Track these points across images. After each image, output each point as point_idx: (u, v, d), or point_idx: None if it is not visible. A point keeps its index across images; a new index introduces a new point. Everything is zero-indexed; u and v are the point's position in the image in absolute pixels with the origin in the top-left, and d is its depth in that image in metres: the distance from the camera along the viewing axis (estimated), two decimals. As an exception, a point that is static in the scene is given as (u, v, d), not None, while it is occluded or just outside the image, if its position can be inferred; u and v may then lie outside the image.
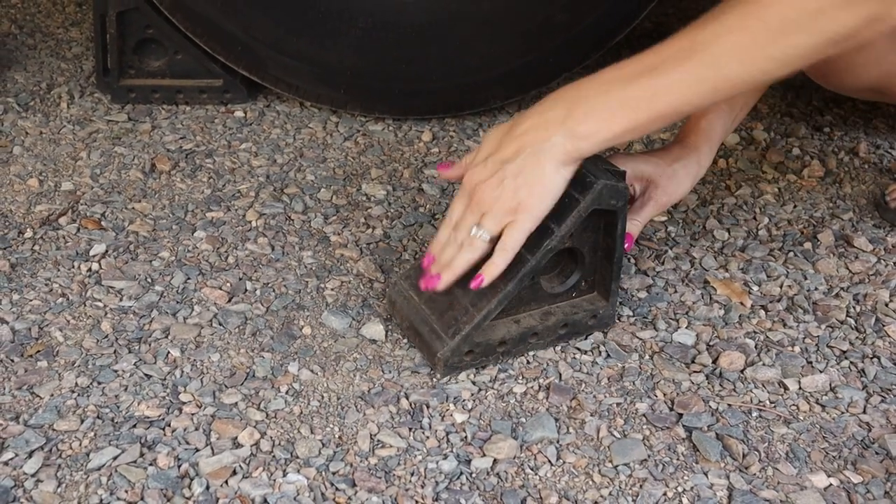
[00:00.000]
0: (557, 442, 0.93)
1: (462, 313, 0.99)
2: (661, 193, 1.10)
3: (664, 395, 0.99)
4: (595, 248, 1.03)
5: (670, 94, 0.91)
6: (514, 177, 0.95)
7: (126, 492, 0.86)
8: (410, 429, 0.94)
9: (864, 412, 0.98)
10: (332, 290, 1.14)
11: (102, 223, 1.26)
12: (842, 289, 1.16)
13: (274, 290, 1.14)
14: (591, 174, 0.97)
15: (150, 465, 0.89)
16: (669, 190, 1.11)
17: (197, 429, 0.93)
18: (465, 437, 0.93)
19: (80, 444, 0.91)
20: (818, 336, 1.08)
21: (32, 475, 0.87)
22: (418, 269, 1.06)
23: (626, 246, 1.03)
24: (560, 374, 1.02)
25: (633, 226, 1.09)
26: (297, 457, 0.90)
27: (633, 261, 1.20)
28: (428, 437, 0.93)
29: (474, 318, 0.98)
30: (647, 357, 1.05)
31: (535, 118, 0.96)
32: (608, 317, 1.06)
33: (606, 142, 0.94)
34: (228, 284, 1.15)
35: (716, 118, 1.16)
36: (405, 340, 1.06)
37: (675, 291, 1.15)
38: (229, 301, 1.12)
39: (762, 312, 1.12)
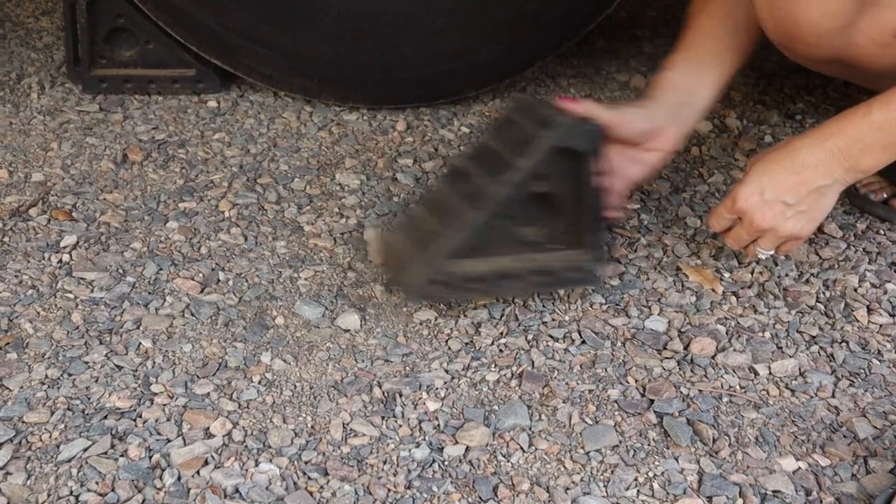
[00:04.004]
0: (530, 429, 0.93)
1: (437, 244, 1.01)
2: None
3: (636, 381, 1.00)
4: (573, 199, 1.03)
5: None
6: (797, 214, 1.05)
7: (97, 483, 0.85)
8: (383, 417, 0.94)
9: (833, 396, 0.99)
10: (305, 279, 1.14)
11: (73, 214, 1.25)
12: (812, 275, 1.17)
13: (247, 281, 1.13)
14: (558, 116, 1.00)
15: (121, 456, 0.88)
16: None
17: (168, 419, 0.93)
18: (438, 425, 0.93)
19: (51, 436, 0.90)
20: (788, 321, 1.09)
21: (1, 468, 0.86)
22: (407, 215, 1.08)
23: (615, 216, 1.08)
24: (533, 362, 1.02)
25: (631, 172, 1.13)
26: (270, 446, 0.90)
27: (605, 248, 1.21)
28: (401, 426, 0.93)
29: (445, 247, 1.00)
30: (619, 344, 1.05)
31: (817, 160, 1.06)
32: (591, 272, 1.06)
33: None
34: (201, 275, 1.14)
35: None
36: (379, 328, 1.06)
37: (648, 278, 1.16)
38: (202, 291, 1.11)
39: (733, 299, 1.13)
